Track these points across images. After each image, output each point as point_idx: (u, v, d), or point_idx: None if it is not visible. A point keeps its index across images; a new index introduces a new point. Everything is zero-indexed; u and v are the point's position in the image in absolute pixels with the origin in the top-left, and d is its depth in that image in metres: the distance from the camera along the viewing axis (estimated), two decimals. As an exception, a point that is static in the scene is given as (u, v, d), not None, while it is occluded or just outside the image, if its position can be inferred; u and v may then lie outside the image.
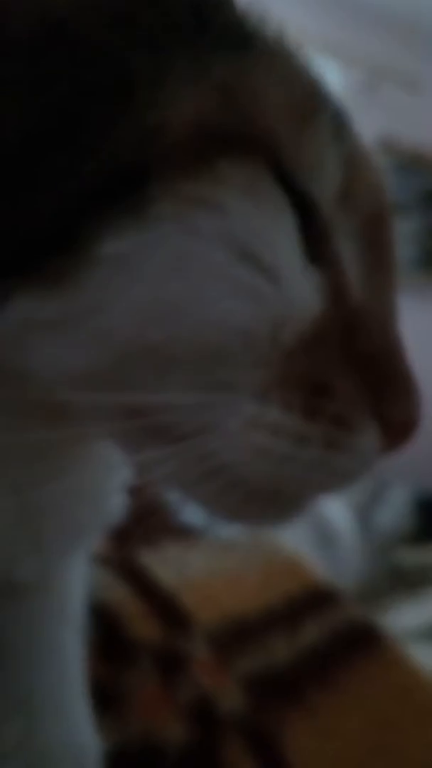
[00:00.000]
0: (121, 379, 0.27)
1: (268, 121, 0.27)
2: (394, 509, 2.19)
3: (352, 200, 0.30)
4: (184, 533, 0.55)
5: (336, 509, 1.77)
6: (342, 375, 0.29)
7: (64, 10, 0.26)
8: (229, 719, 0.48)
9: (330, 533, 1.52)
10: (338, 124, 0.31)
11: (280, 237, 0.28)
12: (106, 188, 0.25)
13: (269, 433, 0.27)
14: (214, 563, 0.59)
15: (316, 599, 0.64)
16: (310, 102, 0.30)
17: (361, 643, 0.61)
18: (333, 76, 2.93)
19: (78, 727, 0.39)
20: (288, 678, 0.54)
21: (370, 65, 2.92)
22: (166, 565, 0.59)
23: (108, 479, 0.40)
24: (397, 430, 0.30)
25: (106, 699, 0.45)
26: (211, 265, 0.26)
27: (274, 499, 0.30)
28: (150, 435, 0.29)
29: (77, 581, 0.46)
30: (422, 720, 0.56)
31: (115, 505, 0.41)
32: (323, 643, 0.59)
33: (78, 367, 0.27)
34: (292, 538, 1.34)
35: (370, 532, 1.95)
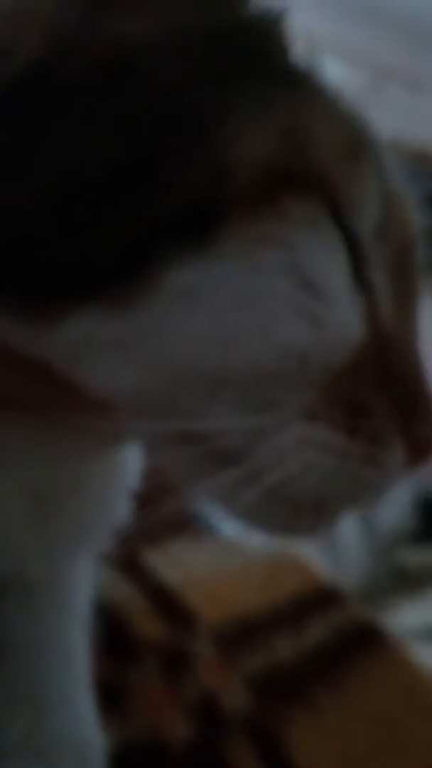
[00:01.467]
0: (172, 402, 0.29)
1: (322, 160, 0.29)
2: (396, 510, 2.19)
3: (386, 233, 0.32)
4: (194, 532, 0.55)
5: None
6: (377, 397, 0.31)
7: (137, 46, 0.27)
8: (234, 718, 0.48)
9: (332, 534, 1.52)
10: (379, 162, 0.32)
11: (335, 266, 0.29)
12: (179, 222, 0.26)
13: (317, 451, 0.29)
14: (219, 562, 0.59)
15: (320, 599, 0.64)
16: (357, 140, 0.32)
17: (366, 642, 0.61)
18: (338, 76, 2.94)
19: (83, 723, 0.40)
20: (293, 677, 0.54)
21: (375, 65, 2.92)
22: (172, 564, 0.59)
23: (116, 484, 0.41)
24: (421, 447, 0.32)
25: (111, 696, 0.45)
26: (275, 297, 0.28)
27: (315, 513, 0.31)
28: (204, 459, 0.30)
29: (84, 580, 0.46)
30: (427, 718, 0.56)
31: (122, 508, 0.42)
32: (328, 642, 0.59)
33: (131, 387, 0.28)
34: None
35: (372, 532, 1.95)
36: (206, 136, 0.27)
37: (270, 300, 0.28)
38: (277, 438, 0.29)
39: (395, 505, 2.26)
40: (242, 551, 0.62)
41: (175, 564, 0.59)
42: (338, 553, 1.51)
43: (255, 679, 0.52)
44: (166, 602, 0.55)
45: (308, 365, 0.29)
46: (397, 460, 0.32)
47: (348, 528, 1.74)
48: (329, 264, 0.29)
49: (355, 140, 0.31)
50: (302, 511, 0.30)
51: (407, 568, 1.86)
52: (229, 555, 0.60)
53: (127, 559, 0.57)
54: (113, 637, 0.49)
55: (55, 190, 0.26)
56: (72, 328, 0.27)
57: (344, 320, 0.30)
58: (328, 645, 0.59)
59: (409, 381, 0.32)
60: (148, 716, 0.45)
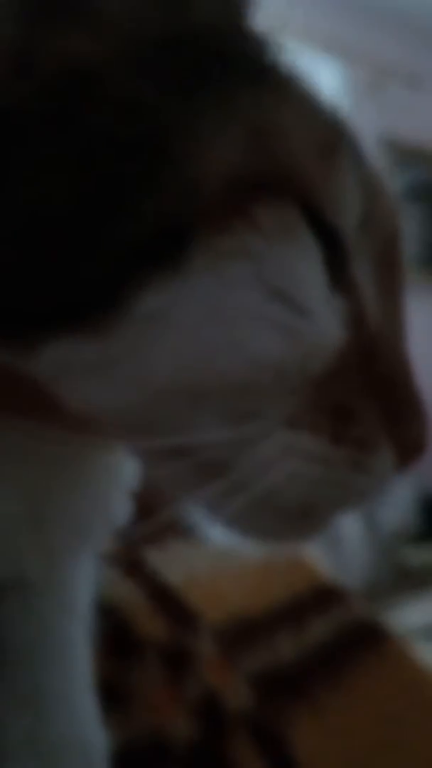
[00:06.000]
0: (155, 419, 0.28)
1: (294, 159, 0.28)
2: (399, 509, 2.19)
3: (370, 226, 0.31)
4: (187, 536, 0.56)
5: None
6: (363, 400, 0.30)
7: (92, 64, 0.26)
8: (236, 717, 0.48)
9: (334, 533, 1.53)
10: (356, 153, 0.31)
11: (308, 272, 0.29)
12: (149, 247, 0.25)
13: (301, 459, 0.29)
14: (220, 562, 0.58)
15: (322, 597, 0.64)
16: (331, 133, 0.30)
17: (368, 640, 0.61)
18: (336, 74, 2.94)
19: (85, 723, 0.40)
20: (295, 676, 0.54)
21: (374, 63, 2.92)
22: (173, 563, 0.59)
23: (114, 484, 0.41)
24: (410, 450, 0.32)
25: (113, 696, 0.45)
26: (246, 309, 0.27)
27: (303, 519, 0.31)
28: (190, 471, 0.30)
29: (85, 580, 0.46)
30: (429, 716, 0.56)
31: (121, 508, 0.42)
32: (330, 640, 0.59)
33: (113, 406, 0.28)
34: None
35: (375, 531, 1.95)
36: (171, 152, 0.25)
37: (243, 314, 0.27)
38: (261, 448, 0.28)
39: (399, 505, 2.26)
40: (243, 551, 0.62)
41: (177, 563, 0.59)
42: (341, 551, 1.51)
43: (257, 678, 0.52)
44: (168, 602, 0.55)
45: (287, 375, 0.28)
46: (387, 463, 0.31)
47: (351, 527, 1.74)
48: (304, 272, 0.28)
49: (329, 135, 0.30)
50: (290, 517, 0.30)
51: (411, 566, 1.86)
52: (230, 554, 0.60)
53: (130, 559, 0.57)
54: (115, 637, 0.49)
55: (21, 226, 0.25)
56: (50, 355, 0.26)
57: (322, 328, 0.29)
58: (329, 643, 0.59)
59: (397, 381, 0.31)
60: (151, 716, 0.45)
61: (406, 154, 3.04)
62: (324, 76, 2.88)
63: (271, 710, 0.50)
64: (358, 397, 0.30)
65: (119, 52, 0.26)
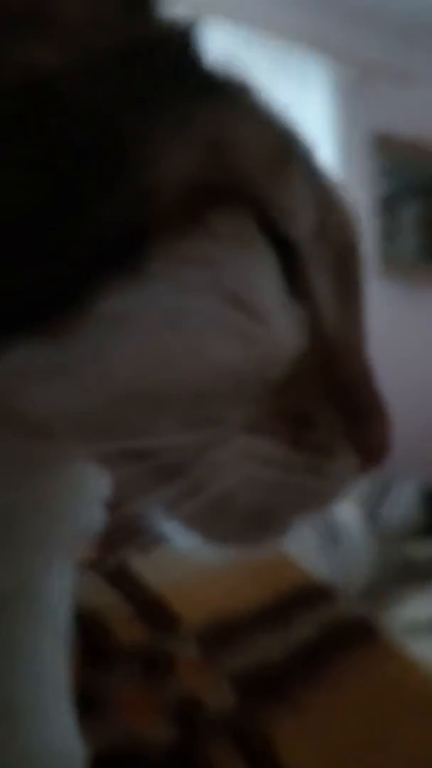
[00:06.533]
0: (115, 423, 0.29)
1: (247, 170, 0.28)
2: (402, 503, 2.19)
3: (325, 236, 0.32)
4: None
5: (342, 504, 1.77)
6: (322, 405, 0.30)
7: (50, 74, 0.26)
8: (217, 720, 0.48)
9: (335, 528, 1.53)
10: (309, 164, 0.32)
11: (265, 280, 0.29)
12: (106, 251, 0.26)
13: (260, 464, 0.29)
14: (203, 564, 0.59)
15: (307, 596, 0.64)
16: (283, 147, 0.31)
17: (354, 639, 0.61)
18: (325, 72, 2.94)
19: (61, 732, 0.40)
20: (278, 676, 0.54)
21: (361, 61, 2.92)
22: (155, 568, 0.59)
23: (84, 493, 0.41)
24: (371, 453, 0.32)
25: (90, 704, 0.45)
26: (203, 315, 0.27)
27: (262, 523, 0.31)
28: (148, 474, 0.30)
29: (60, 589, 0.46)
30: (416, 715, 0.56)
31: (92, 516, 0.42)
32: (314, 640, 0.59)
33: (70, 411, 0.28)
34: (296, 535, 1.35)
35: (378, 526, 1.95)
36: (127, 160, 0.26)
37: (200, 319, 0.27)
38: (220, 452, 0.28)
39: (403, 498, 2.26)
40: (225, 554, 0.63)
41: (159, 569, 0.60)
42: (342, 546, 1.51)
43: (239, 680, 0.52)
44: (147, 606, 0.55)
45: (246, 381, 0.28)
46: (348, 467, 0.31)
47: (352, 522, 1.74)
48: (259, 277, 0.29)
49: (281, 147, 0.31)
50: (249, 521, 0.30)
51: (414, 560, 1.86)
52: (213, 559, 0.60)
53: (110, 566, 0.58)
54: (93, 644, 0.49)
55: None
56: (7, 359, 0.27)
57: (280, 334, 0.29)
58: (313, 642, 0.59)
59: (357, 386, 0.32)
60: (128, 722, 0.45)
61: (396, 151, 3.04)
62: (312, 75, 2.89)
63: (253, 712, 0.50)
64: (317, 402, 0.31)
65: (78, 62, 0.27)
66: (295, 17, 2.70)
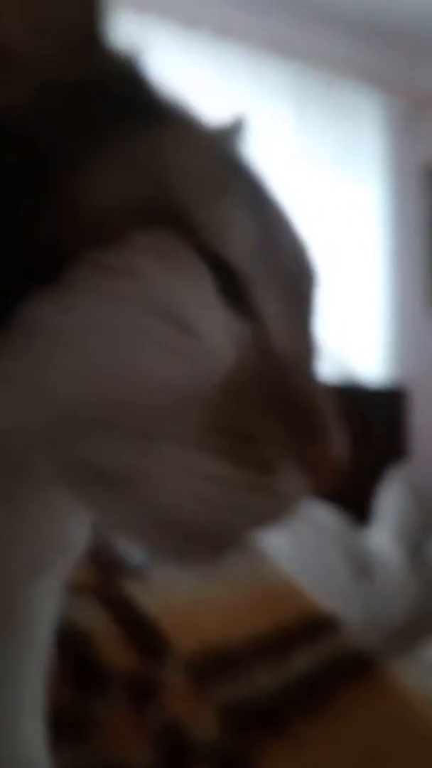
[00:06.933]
0: (60, 437, 0.29)
1: (177, 195, 0.30)
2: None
3: (273, 261, 0.32)
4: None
5: (381, 541, 1.73)
6: (266, 422, 0.30)
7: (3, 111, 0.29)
8: (202, 748, 0.47)
9: (369, 561, 1.49)
10: (250, 191, 0.33)
11: (198, 295, 0.30)
12: (35, 267, 0.27)
13: (201, 481, 0.29)
14: (201, 591, 0.58)
15: (311, 627, 0.63)
16: (217, 174, 0.32)
17: (357, 672, 0.59)
18: (375, 105, 2.95)
19: (29, 747, 0.40)
20: (274, 708, 0.53)
21: (413, 93, 2.92)
22: (151, 593, 0.59)
23: (66, 512, 0.41)
24: (320, 471, 0.31)
25: (73, 726, 0.45)
26: (133, 330, 0.28)
27: (208, 541, 0.31)
28: (91, 488, 0.30)
29: (46, 610, 0.46)
30: (417, 752, 0.54)
31: (79, 538, 0.42)
32: (314, 672, 0.58)
33: (22, 423, 0.29)
34: (326, 567, 1.33)
35: (419, 561, 1.90)
36: (61, 186, 0.28)
37: (127, 334, 0.28)
38: (162, 469, 0.29)
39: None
40: (228, 580, 0.62)
41: (155, 593, 0.59)
42: (377, 581, 1.47)
43: (230, 710, 0.51)
44: (138, 631, 0.55)
45: (181, 395, 0.29)
46: (296, 484, 0.31)
47: (391, 561, 1.70)
48: (192, 295, 0.29)
49: (215, 174, 0.32)
50: (200, 540, 0.30)
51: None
52: (212, 584, 0.60)
53: (103, 587, 0.58)
54: (79, 666, 0.49)
55: None
56: None
57: (215, 349, 0.29)
58: (314, 675, 0.57)
59: (306, 404, 0.32)
60: (110, 745, 0.45)
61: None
62: (364, 108, 2.90)
63: (243, 742, 0.49)
64: (261, 419, 0.30)
65: (25, 96, 0.29)
66: (346, 49, 2.72)
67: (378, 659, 0.61)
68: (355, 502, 1.80)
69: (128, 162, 0.29)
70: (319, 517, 1.45)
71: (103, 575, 0.58)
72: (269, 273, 0.32)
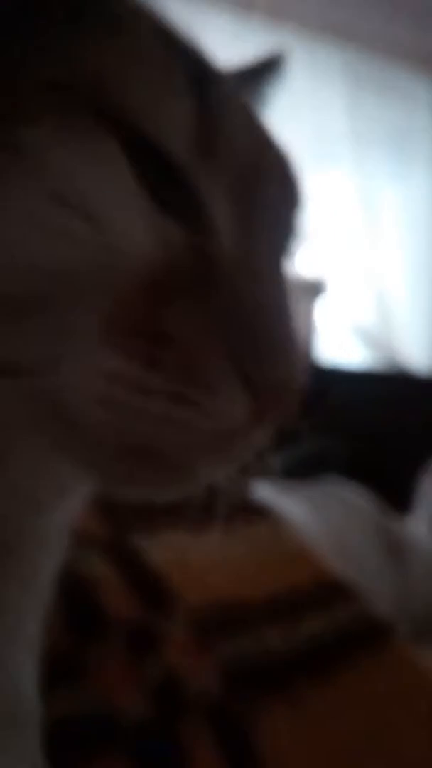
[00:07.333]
0: None
1: (104, 74, 0.28)
2: None
3: (221, 154, 0.30)
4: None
5: (417, 528, 1.69)
6: (195, 327, 0.28)
7: None
8: (197, 701, 0.46)
9: (402, 544, 1.46)
10: (192, 78, 0.30)
11: (108, 186, 0.27)
12: None
13: (108, 381, 0.26)
14: (217, 551, 0.57)
15: (324, 592, 0.61)
16: (155, 54, 0.30)
17: (369, 641, 0.58)
18: (428, 89, 2.89)
19: (21, 681, 0.39)
20: (277, 668, 0.52)
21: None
22: (164, 548, 0.58)
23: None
24: (267, 394, 0.29)
25: (68, 672, 0.44)
26: (22, 209, 0.26)
27: (151, 461, 0.28)
28: (20, 398, 0.28)
29: (48, 550, 0.45)
30: (422, 727, 0.53)
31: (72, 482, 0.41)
32: (325, 636, 0.56)
33: None
34: (354, 546, 1.30)
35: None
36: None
37: (16, 213, 0.26)
38: (69, 365, 0.26)
39: None
40: (246, 542, 0.61)
41: (168, 549, 0.58)
42: (410, 565, 1.44)
43: (233, 667, 0.50)
44: (144, 582, 0.54)
45: (78, 287, 0.26)
46: (237, 408, 0.28)
47: (423, 545, 1.66)
48: (101, 182, 0.27)
49: (158, 53, 0.30)
50: (134, 457, 0.28)
51: None
52: (230, 545, 0.58)
53: (112, 541, 0.57)
54: (80, 612, 0.49)
55: None
56: None
57: (124, 240, 0.27)
58: (325, 640, 0.56)
59: (250, 317, 0.29)
60: (102, 691, 0.44)
61: None
62: (416, 91, 2.84)
63: (241, 699, 0.48)
64: (187, 323, 0.28)
65: None
66: (400, 33, 2.66)
67: (392, 630, 0.60)
68: (398, 489, 1.77)
69: (71, 55, 0.27)
70: (347, 497, 1.42)
71: (115, 527, 0.58)
72: (217, 168, 0.30)
